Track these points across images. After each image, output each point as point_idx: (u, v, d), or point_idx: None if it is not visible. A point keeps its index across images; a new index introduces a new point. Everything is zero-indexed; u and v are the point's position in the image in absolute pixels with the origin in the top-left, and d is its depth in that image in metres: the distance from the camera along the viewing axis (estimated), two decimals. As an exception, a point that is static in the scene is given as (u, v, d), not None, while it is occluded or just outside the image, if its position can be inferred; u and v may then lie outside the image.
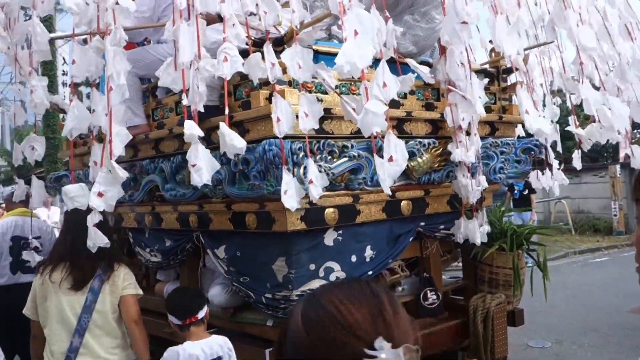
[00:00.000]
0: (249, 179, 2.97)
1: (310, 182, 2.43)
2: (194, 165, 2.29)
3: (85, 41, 2.96)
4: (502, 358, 3.69)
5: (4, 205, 6.08)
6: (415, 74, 3.13)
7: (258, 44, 2.72)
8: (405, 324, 1.02)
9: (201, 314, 2.98)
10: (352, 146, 3.09)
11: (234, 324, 3.51)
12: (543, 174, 4.41)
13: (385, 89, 2.29)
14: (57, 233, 4.12)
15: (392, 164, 2.38)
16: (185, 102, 2.39)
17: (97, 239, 2.49)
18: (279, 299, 3.07)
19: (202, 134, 2.35)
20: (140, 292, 3.16)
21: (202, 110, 2.44)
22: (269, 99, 2.75)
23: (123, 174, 2.41)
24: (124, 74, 2.41)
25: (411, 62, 2.86)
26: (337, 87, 3.03)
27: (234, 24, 2.31)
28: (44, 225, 4.48)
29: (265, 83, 2.88)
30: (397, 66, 2.68)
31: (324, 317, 0.98)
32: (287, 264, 3.00)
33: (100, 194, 2.36)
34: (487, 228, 3.56)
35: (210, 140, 3.27)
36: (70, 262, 2.97)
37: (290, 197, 2.37)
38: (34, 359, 3.23)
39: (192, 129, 2.28)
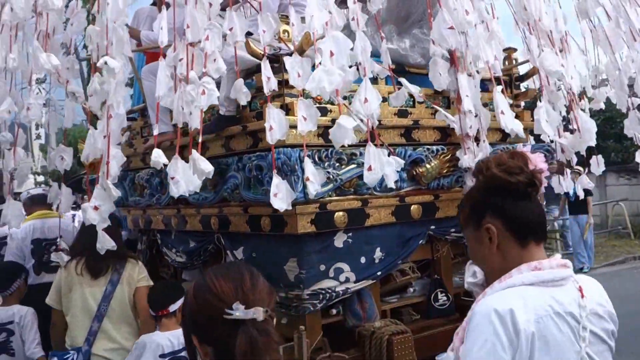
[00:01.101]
0: (262, 184, 3.17)
1: (307, 179, 2.61)
2: (172, 178, 2.51)
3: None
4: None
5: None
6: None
7: (272, 60, 2.93)
8: (262, 294, 1.50)
9: (173, 308, 3.27)
10: (360, 154, 3.25)
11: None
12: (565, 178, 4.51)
13: (367, 104, 2.48)
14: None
15: (370, 172, 2.57)
16: (155, 131, 2.64)
17: (105, 243, 2.73)
18: (291, 298, 3.25)
19: (167, 162, 2.58)
20: (152, 283, 3.60)
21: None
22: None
23: (116, 193, 2.65)
24: (123, 105, 2.67)
25: (403, 81, 3.01)
26: (345, 98, 3.20)
27: (215, 59, 2.51)
28: (64, 224, 4.78)
29: (277, 95, 3.07)
30: (392, 79, 2.84)
31: (204, 288, 1.49)
32: (298, 264, 3.19)
33: (95, 208, 2.60)
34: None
35: (229, 147, 3.50)
36: (89, 257, 3.33)
37: (280, 199, 2.57)
38: (54, 343, 3.57)
39: (159, 157, 2.54)
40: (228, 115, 3.34)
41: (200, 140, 2.64)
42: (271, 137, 2.57)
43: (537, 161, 1.87)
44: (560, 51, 3.42)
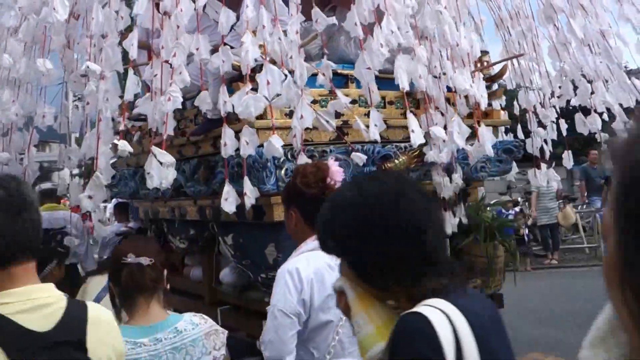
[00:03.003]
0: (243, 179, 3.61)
1: (245, 194, 3.07)
2: (148, 173, 2.98)
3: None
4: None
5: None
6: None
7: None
8: (153, 251, 2.19)
9: None
10: (331, 151, 3.67)
11: (242, 300, 4.17)
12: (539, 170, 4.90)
13: (302, 119, 2.93)
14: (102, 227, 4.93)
15: None
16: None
17: (101, 232, 3.23)
18: (271, 279, 3.69)
19: (131, 150, 3.16)
20: None
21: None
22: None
23: (105, 182, 3.18)
24: (111, 110, 3.14)
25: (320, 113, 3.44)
26: (317, 102, 3.63)
27: (180, 72, 2.96)
28: (68, 217, 5.29)
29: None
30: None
31: (116, 248, 2.34)
32: (276, 248, 3.62)
33: (90, 197, 3.09)
34: (456, 220, 4.05)
35: (216, 146, 3.96)
36: None
37: (230, 203, 3.07)
38: None
39: (125, 147, 3.08)
40: (215, 119, 3.78)
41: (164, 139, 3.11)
42: (225, 152, 3.03)
43: (335, 174, 2.45)
44: (475, 71, 3.84)
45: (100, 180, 3.15)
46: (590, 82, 4.27)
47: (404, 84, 3.58)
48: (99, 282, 3.84)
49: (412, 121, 3.40)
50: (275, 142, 2.99)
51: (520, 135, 5.06)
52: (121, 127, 3.64)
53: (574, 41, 4.05)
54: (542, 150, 5.08)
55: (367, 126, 3.40)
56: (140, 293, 2.14)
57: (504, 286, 4.56)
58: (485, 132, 3.73)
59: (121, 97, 3.19)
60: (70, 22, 3.76)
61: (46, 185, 5.82)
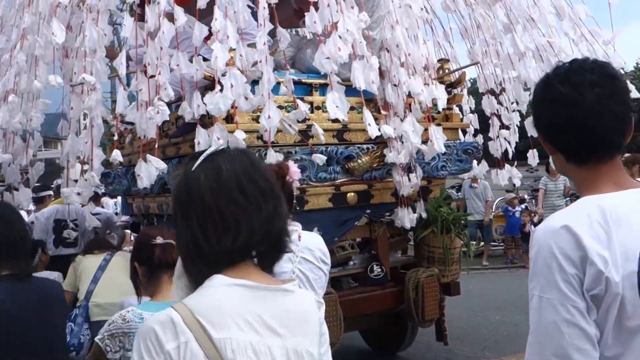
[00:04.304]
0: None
1: None
2: (138, 175, 3.39)
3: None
4: (431, 319, 4.59)
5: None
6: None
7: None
8: (172, 234, 2.31)
9: None
10: (296, 152, 4.08)
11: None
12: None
13: (269, 119, 3.32)
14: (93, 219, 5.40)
15: None
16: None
17: (92, 222, 3.66)
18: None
19: (122, 160, 3.63)
20: None
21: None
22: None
23: (96, 182, 3.62)
24: (100, 117, 3.56)
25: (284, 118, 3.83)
26: (282, 107, 4.03)
27: (165, 88, 3.38)
28: (80, 210, 5.75)
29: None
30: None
31: (143, 232, 2.73)
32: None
33: (78, 194, 3.52)
34: (414, 215, 4.45)
35: (194, 147, 4.38)
36: None
37: None
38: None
39: (117, 156, 3.51)
40: (192, 122, 4.20)
41: (156, 146, 3.52)
42: (198, 149, 3.45)
43: (294, 174, 2.73)
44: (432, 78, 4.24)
45: (95, 180, 3.58)
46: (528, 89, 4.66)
47: (360, 84, 3.95)
48: (93, 261, 4.30)
49: (367, 116, 3.77)
50: (239, 136, 3.40)
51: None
52: (115, 137, 4.09)
53: (519, 52, 4.43)
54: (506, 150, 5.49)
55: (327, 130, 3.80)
56: (167, 271, 2.34)
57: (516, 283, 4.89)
58: (436, 132, 4.10)
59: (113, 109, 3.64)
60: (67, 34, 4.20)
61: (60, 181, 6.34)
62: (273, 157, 3.47)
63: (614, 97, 1.34)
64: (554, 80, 1.39)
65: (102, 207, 8.03)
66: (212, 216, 1.24)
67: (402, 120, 4.28)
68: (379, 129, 3.93)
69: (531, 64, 4.56)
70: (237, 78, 3.28)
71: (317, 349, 1.31)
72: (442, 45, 6.25)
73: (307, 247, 2.76)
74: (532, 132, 4.98)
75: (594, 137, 1.34)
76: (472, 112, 6.06)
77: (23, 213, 5.80)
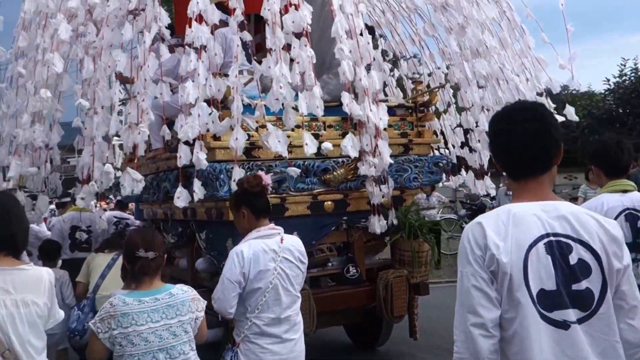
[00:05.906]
0: (207, 186, 4.63)
1: (193, 192, 4.07)
2: (122, 185, 4.03)
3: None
4: (400, 316, 5.11)
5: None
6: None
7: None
8: (158, 244, 2.90)
9: None
10: (276, 165, 4.66)
11: (213, 284, 5.17)
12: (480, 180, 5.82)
13: (236, 141, 3.91)
14: (103, 222, 6.09)
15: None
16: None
17: (101, 225, 4.30)
18: (230, 265, 4.69)
19: (113, 175, 4.28)
20: None
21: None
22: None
23: (98, 189, 4.24)
24: (102, 136, 4.21)
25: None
26: (263, 127, 4.61)
27: (147, 113, 4.04)
28: (94, 217, 6.41)
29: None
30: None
31: (130, 237, 2.98)
32: (232, 242, 4.61)
33: (82, 198, 4.17)
34: (384, 222, 4.98)
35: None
36: None
37: (182, 200, 4.07)
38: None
39: (109, 170, 4.16)
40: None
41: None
42: (180, 162, 4.06)
43: (265, 179, 3.31)
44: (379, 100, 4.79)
45: (95, 188, 4.23)
46: (489, 110, 5.18)
47: (303, 110, 4.32)
48: (103, 259, 4.92)
49: (305, 135, 4.27)
50: (201, 157, 4.07)
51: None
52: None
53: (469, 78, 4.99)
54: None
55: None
56: (147, 276, 2.85)
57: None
58: (383, 146, 4.62)
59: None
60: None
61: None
62: (238, 173, 4.07)
63: (540, 132, 1.83)
64: (500, 116, 1.94)
65: (131, 213, 8.57)
66: None
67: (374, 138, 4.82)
68: (319, 147, 4.40)
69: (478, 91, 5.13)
70: (204, 109, 3.92)
71: (42, 299, 2.36)
72: (428, 64, 6.83)
73: (288, 248, 3.30)
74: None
75: (521, 162, 1.85)
76: (458, 126, 6.59)
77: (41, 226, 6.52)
